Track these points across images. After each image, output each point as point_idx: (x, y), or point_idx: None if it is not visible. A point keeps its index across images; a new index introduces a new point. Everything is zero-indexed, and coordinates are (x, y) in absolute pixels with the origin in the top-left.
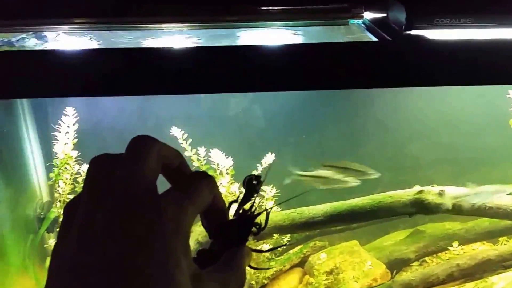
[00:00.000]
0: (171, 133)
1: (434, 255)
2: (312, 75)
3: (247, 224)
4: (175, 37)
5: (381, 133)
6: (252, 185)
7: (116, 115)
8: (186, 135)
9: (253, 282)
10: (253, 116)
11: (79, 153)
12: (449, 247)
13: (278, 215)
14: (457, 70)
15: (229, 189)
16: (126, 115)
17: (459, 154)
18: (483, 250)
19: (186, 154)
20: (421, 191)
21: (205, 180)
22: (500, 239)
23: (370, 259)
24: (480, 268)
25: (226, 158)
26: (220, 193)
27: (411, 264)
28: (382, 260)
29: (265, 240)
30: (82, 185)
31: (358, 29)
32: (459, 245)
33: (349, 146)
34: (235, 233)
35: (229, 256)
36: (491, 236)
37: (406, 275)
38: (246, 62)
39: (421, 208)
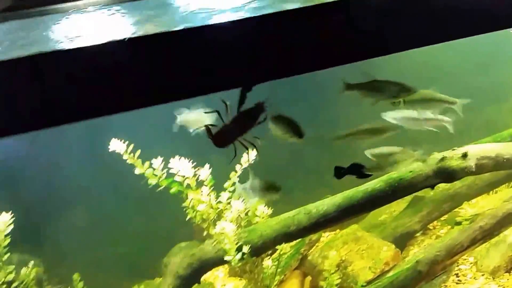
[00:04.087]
0: (110, 149)
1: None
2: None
3: None
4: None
5: None
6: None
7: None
8: (131, 146)
9: None
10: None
11: None
12: (458, 209)
13: (280, 221)
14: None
15: (210, 203)
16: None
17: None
18: (502, 205)
19: (136, 171)
20: (443, 158)
21: None
22: (501, 188)
23: (378, 242)
24: (500, 225)
25: (197, 167)
26: None
27: (416, 236)
28: (387, 239)
29: (268, 255)
30: None
31: None
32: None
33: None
34: None
35: None
36: (492, 187)
37: (424, 251)
38: None
39: (446, 177)
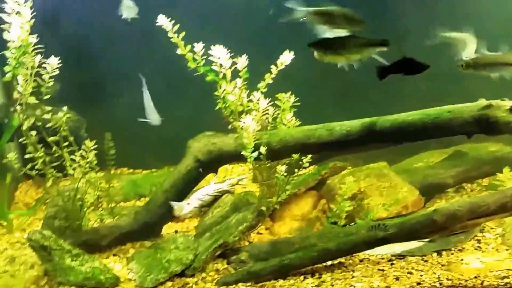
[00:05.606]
0: (157, 23)
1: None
2: None
3: None
4: None
5: None
6: None
7: None
8: (177, 26)
9: (263, 207)
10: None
11: (38, 39)
12: (497, 173)
13: (300, 131)
14: None
15: (241, 97)
16: None
17: None
18: None
19: (178, 51)
20: (489, 106)
21: None
22: None
23: (401, 184)
24: None
25: (235, 57)
26: None
27: (446, 191)
28: (414, 185)
29: (283, 161)
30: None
31: None
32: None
33: None
34: None
35: None
36: None
37: (447, 204)
38: None
39: (485, 127)
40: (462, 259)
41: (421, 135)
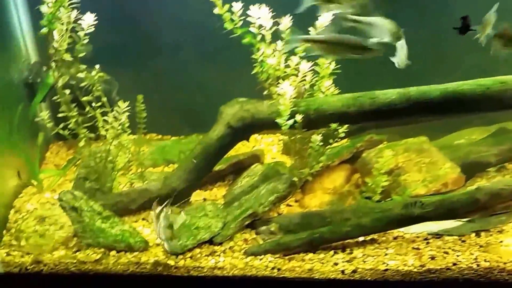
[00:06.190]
0: None
1: None
2: None
3: None
4: None
5: None
6: None
7: None
8: None
9: (295, 178)
10: None
11: None
12: None
13: (340, 99)
14: None
15: (280, 61)
16: None
17: None
18: None
19: (216, 11)
20: None
21: None
22: None
23: (443, 160)
24: None
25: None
26: None
27: (487, 170)
28: (455, 162)
29: (318, 131)
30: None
31: None
32: None
33: None
34: None
35: None
36: None
37: (489, 183)
38: None
39: None
40: (501, 241)
41: (471, 106)
